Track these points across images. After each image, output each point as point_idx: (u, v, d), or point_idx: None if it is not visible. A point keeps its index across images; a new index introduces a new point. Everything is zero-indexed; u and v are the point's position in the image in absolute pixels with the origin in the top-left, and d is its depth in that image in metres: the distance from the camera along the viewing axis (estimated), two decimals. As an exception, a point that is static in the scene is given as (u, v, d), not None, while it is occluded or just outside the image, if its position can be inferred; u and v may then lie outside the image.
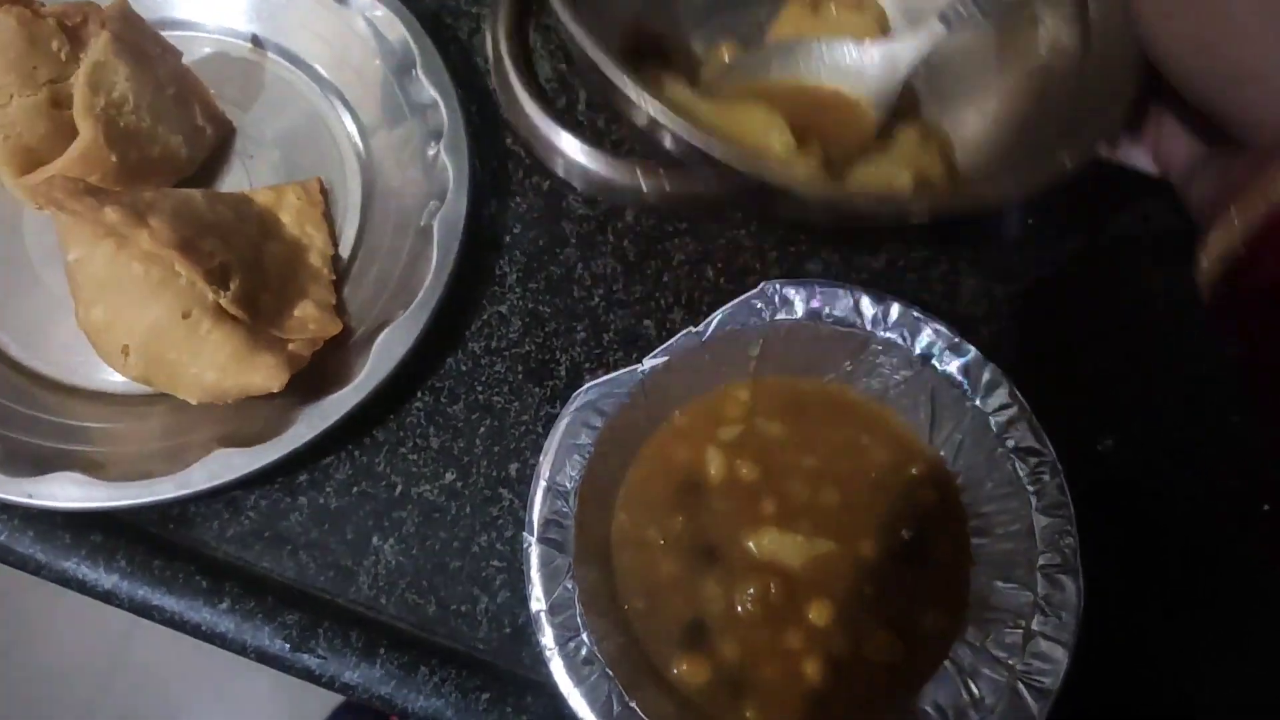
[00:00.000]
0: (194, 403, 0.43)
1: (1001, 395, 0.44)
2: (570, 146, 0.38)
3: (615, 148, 0.39)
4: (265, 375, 0.42)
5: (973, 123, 0.49)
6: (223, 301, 0.42)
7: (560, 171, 0.38)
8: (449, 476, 0.47)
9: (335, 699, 1.23)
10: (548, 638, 0.40)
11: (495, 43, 0.39)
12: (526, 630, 0.45)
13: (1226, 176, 0.38)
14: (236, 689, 1.33)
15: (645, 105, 0.35)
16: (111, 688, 1.33)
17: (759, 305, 0.45)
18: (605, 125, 0.54)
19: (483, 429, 0.48)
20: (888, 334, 0.45)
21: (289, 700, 1.30)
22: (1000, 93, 0.48)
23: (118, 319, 0.41)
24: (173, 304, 0.41)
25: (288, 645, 0.43)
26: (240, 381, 0.42)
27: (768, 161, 0.39)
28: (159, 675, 1.33)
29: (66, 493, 0.42)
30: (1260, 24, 0.35)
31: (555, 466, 0.42)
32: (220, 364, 0.42)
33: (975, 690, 0.41)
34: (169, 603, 0.44)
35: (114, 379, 0.47)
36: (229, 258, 0.44)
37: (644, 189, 0.37)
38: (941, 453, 0.46)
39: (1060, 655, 0.41)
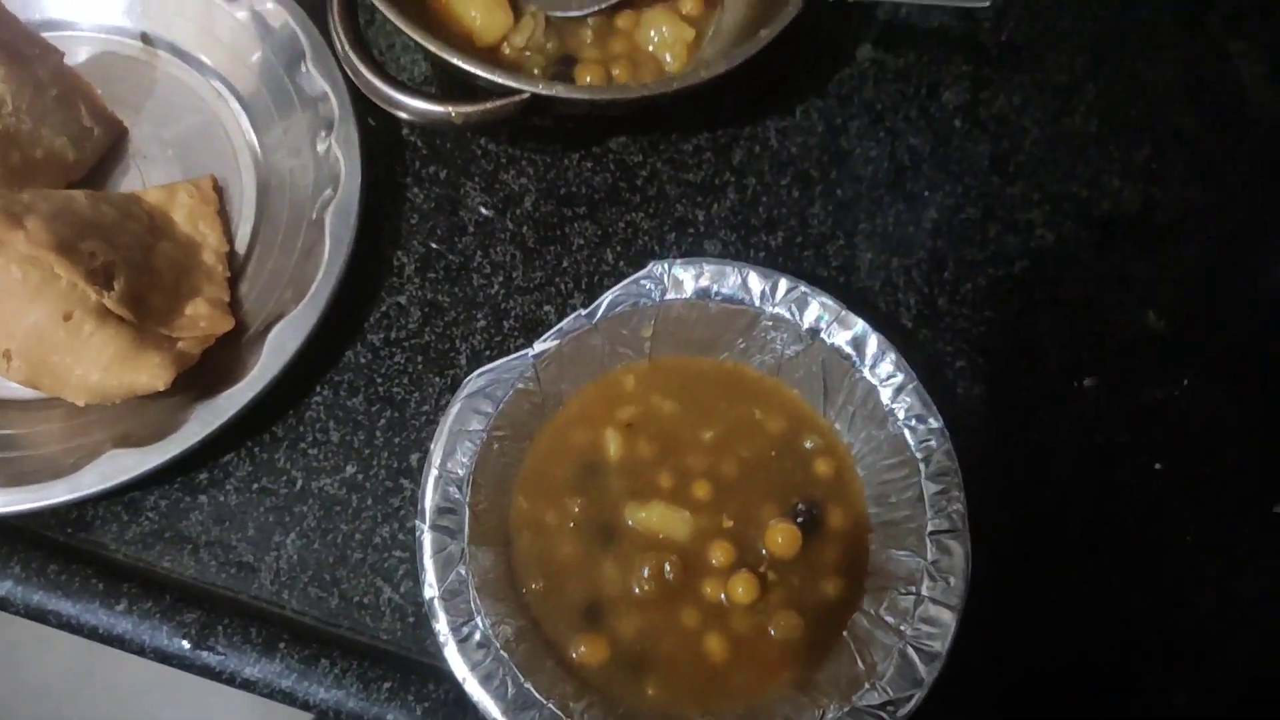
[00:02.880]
0: (81, 405, 0.43)
1: (889, 365, 0.45)
2: (400, 98, 0.46)
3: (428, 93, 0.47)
4: (150, 374, 0.42)
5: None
6: (107, 302, 0.42)
7: (404, 116, 0.46)
8: (350, 470, 0.47)
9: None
10: (441, 624, 0.40)
11: (335, 30, 0.46)
12: (430, 619, 0.45)
13: None
14: (211, 701, 1.31)
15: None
16: (79, 700, 1.31)
17: (648, 285, 0.45)
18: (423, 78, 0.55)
19: (383, 421, 0.48)
20: (776, 309, 0.46)
21: (265, 712, 1.29)
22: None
23: (-2, 323, 0.41)
24: (54, 306, 0.41)
25: (186, 643, 0.43)
26: (125, 381, 0.42)
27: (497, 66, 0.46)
28: (129, 687, 1.32)
29: (-44, 500, 0.42)
30: None
31: (446, 453, 0.43)
32: (104, 364, 0.42)
33: (869, 657, 0.42)
34: (65, 607, 0.43)
35: (7, 384, 0.47)
36: (113, 258, 0.43)
37: (452, 115, 0.45)
38: (836, 424, 0.47)
39: (948, 619, 0.41)
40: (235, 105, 0.53)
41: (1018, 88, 0.57)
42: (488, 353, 0.49)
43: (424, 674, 0.44)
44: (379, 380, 0.49)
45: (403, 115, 0.46)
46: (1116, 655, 0.46)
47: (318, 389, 0.48)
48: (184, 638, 0.43)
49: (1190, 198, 0.54)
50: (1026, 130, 0.56)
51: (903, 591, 0.43)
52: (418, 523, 0.41)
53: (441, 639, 0.40)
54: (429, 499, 0.42)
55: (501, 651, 0.40)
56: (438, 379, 0.49)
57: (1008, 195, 0.54)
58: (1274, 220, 0.55)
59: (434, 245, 0.51)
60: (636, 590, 0.44)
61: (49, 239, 0.41)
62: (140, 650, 0.43)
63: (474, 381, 0.43)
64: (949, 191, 0.54)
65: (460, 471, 0.43)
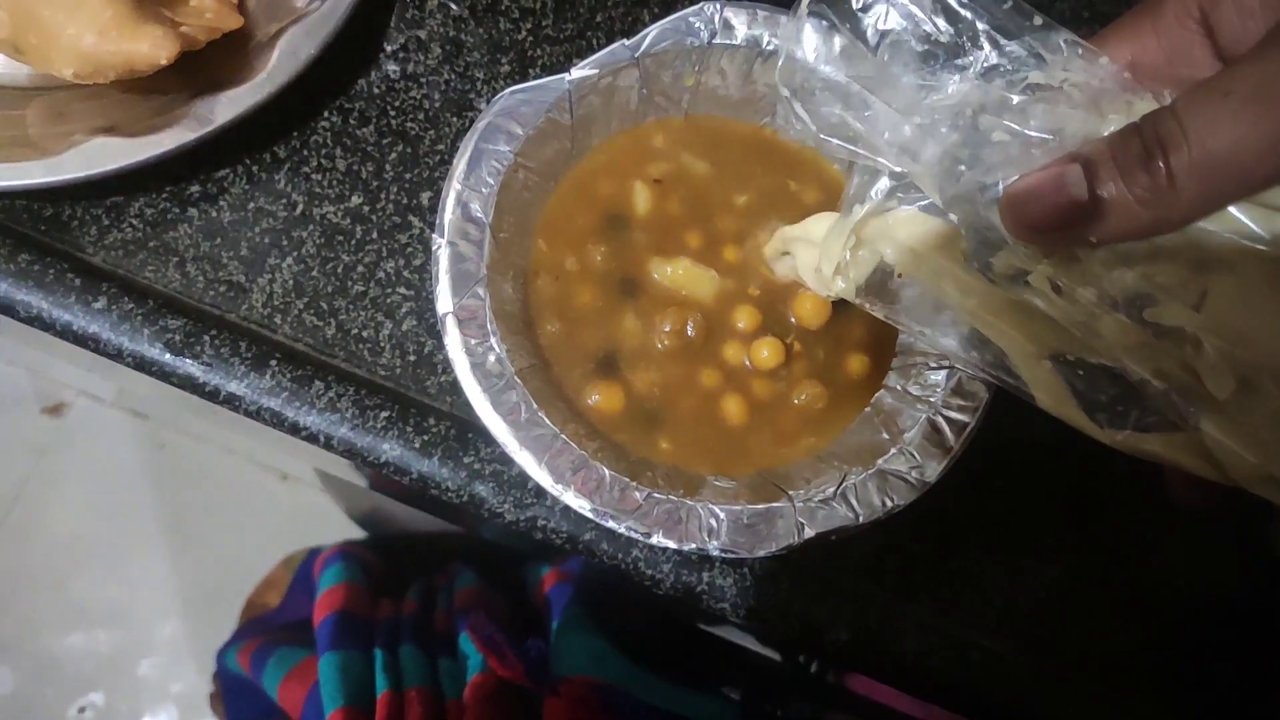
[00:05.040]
0: (69, 75, 0.39)
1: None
2: None
3: None
4: (153, 44, 0.38)
5: None
6: (106, -37, 0.38)
7: None
8: (356, 200, 0.44)
9: (240, 582, 1.19)
10: (453, 341, 0.38)
11: None
12: (433, 359, 0.43)
13: None
14: (129, 564, 1.27)
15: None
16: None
17: (697, 25, 0.42)
18: None
19: (394, 155, 0.45)
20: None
21: (184, 574, 1.26)
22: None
23: (-20, -36, 0.37)
24: (47, -47, 0.37)
25: (168, 350, 0.40)
26: (123, 49, 0.38)
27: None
28: (46, 542, 1.27)
29: (-82, 170, 0.38)
30: None
31: (470, 169, 0.39)
32: (101, 27, 0.38)
33: (894, 427, 0.40)
34: (36, 299, 0.40)
35: (-20, 67, 0.43)
36: (115, -79, 0.39)
37: None
38: (856, 179, 0.44)
39: (982, 392, 0.40)
40: None
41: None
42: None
43: (423, 410, 0.41)
44: (392, 113, 0.45)
45: None
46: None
47: (325, 114, 0.45)
48: (166, 345, 0.40)
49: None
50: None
51: (934, 366, 0.41)
52: (434, 236, 0.38)
53: (452, 356, 0.37)
54: (449, 214, 0.39)
55: (516, 377, 0.38)
56: (455, 119, 0.46)
57: None
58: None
59: (461, -18, 0.48)
60: (657, 345, 0.42)
61: (47, -123, 0.37)
62: (117, 354, 0.40)
63: (505, 100, 0.40)
64: None
65: (484, 191, 0.40)
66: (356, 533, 1.18)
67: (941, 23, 0.36)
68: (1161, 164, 0.28)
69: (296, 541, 1.22)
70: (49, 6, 0.37)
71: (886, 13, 0.36)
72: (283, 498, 1.29)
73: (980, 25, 0.35)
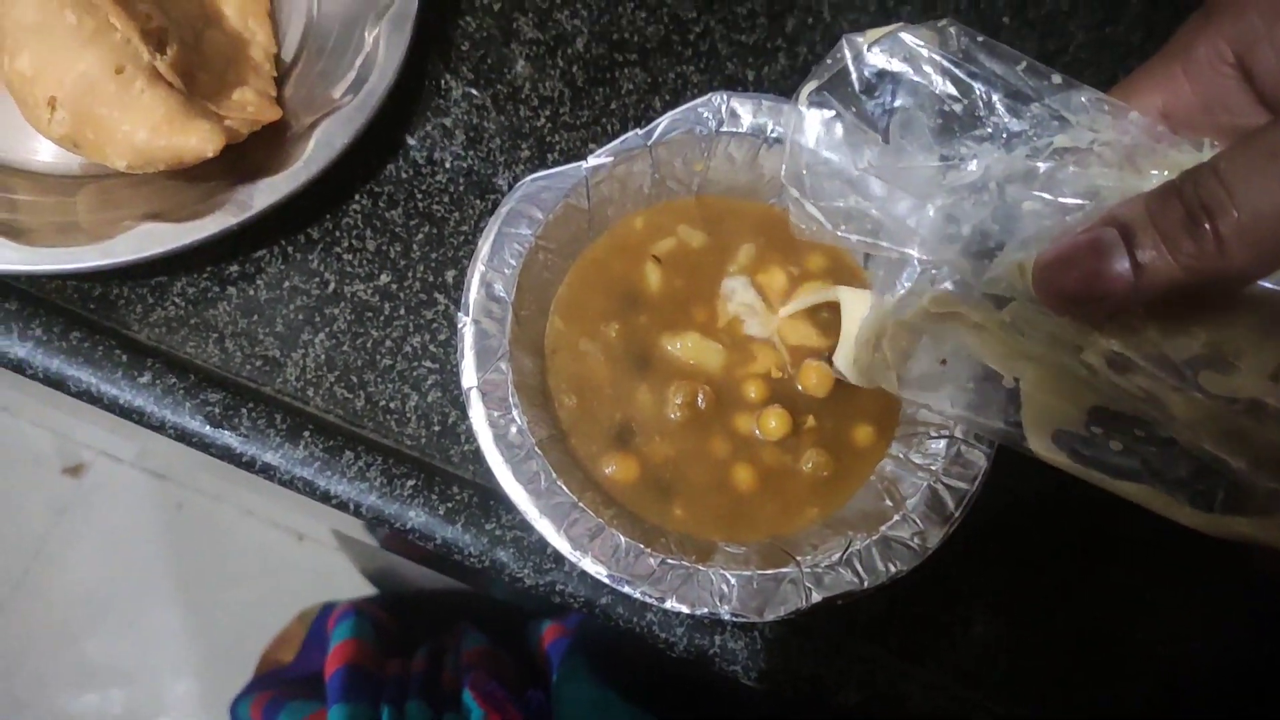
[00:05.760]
0: (123, 167, 0.42)
1: (937, 216, 0.45)
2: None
3: None
4: (201, 138, 0.41)
5: None
6: (159, 65, 0.41)
7: None
8: (384, 278, 0.47)
9: (254, 640, 1.20)
10: (478, 414, 0.40)
11: None
12: (456, 430, 0.45)
13: None
14: (144, 622, 1.28)
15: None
16: (8, 609, 1.28)
17: (706, 115, 0.45)
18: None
19: (420, 235, 0.47)
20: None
21: (199, 632, 1.27)
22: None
23: (46, 68, 0.40)
24: (106, 57, 0.40)
25: (208, 423, 0.42)
26: (173, 143, 0.41)
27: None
28: (62, 600, 1.29)
29: (-17, 254, 0.41)
30: None
31: (493, 252, 0.42)
32: (153, 124, 0.40)
33: (897, 494, 0.42)
34: (85, 374, 0.42)
35: (41, 157, 0.46)
36: (166, 25, 0.42)
37: None
38: (879, 272, 0.47)
39: (980, 460, 0.42)
40: (291, -85, 0.52)
41: (1066, -6, 0.58)
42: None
43: (447, 479, 0.43)
44: (419, 196, 0.48)
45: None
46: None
47: (356, 198, 0.48)
48: (206, 417, 0.42)
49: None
50: (1073, 34, 0.56)
51: (934, 435, 0.43)
52: (460, 315, 0.41)
53: (476, 429, 0.40)
54: (473, 293, 0.41)
55: (536, 449, 0.40)
56: (478, 201, 0.48)
57: (1050, 93, 0.55)
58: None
59: (484, 74, 0.51)
60: (670, 417, 0.44)
61: (108, -12, 0.40)
62: (159, 426, 0.42)
63: (527, 186, 0.43)
64: (993, 83, 0.55)
65: (506, 272, 0.42)
66: (369, 590, 1.20)
67: (953, 90, 0.34)
68: (1208, 227, 0.26)
69: (311, 599, 1.23)
70: (106, 106, 0.40)
71: (893, 90, 0.35)
72: (299, 557, 1.31)
73: (995, 95, 0.33)
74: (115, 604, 1.28)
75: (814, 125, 0.37)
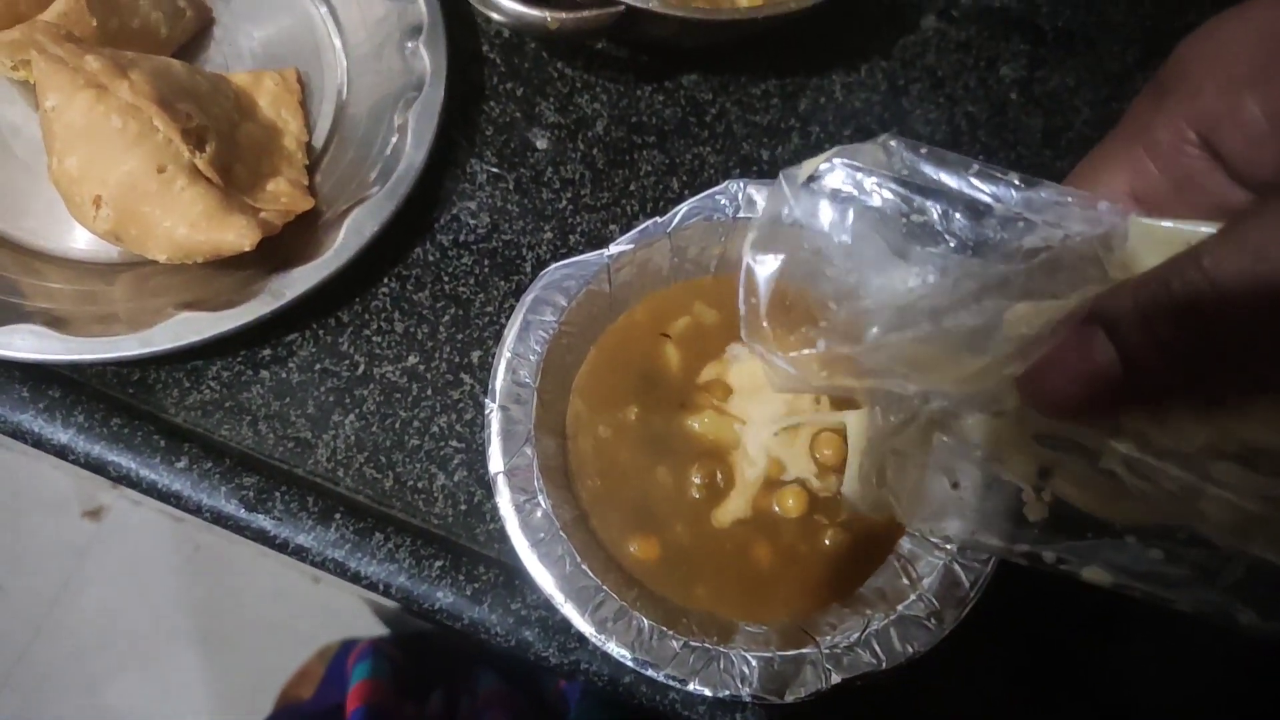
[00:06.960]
0: (163, 260, 0.43)
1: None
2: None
3: None
4: (238, 233, 0.42)
5: None
6: (198, 162, 0.43)
7: (497, 18, 0.47)
8: (412, 360, 0.48)
9: (271, 679, 1.21)
10: (504, 498, 0.41)
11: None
12: (482, 509, 0.46)
13: None
14: (163, 664, 1.30)
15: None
16: (30, 656, 1.29)
17: (723, 202, 0.47)
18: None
19: (447, 317, 0.49)
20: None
21: (217, 674, 1.28)
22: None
23: (91, 169, 0.42)
24: (148, 158, 0.42)
25: (243, 506, 0.43)
26: (213, 238, 0.42)
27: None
28: (82, 644, 1.30)
29: (26, 344, 0.42)
30: None
31: (520, 338, 0.43)
32: (192, 220, 0.42)
33: (913, 573, 0.43)
34: (125, 460, 0.44)
35: (79, 245, 0.47)
36: (205, 123, 0.44)
37: (548, 21, 0.47)
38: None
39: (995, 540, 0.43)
40: (320, 2, 0.53)
41: (1071, 70, 0.59)
42: (553, 263, 0.50)
43: (474, 558, 0.45)
44: (445, 279, 0.50)
45: (496, 17, 0.47)
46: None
47: (385, 281, 0.49)
48: (241, 501, 0.43)
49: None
50: (1078, 110, 0.58)
51: (949, 514, 0.44)
52: (486, 401, 0.42)
53: (503, 512, 0.41)
54: (500, 380, 0.43)
55: (561, 532, 0.41)
56: (503, 283, 0.50)
57: (1058, 168, 0.56)
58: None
59: (507, 157, 0.52)
60: (689, 496, 0.45)
61: (151, 92, 0.42)
62: (196, 509, 0.44)
63: (550, 274, 0.44)
64: (1002, 158, 0.56)
65: (531, 358, 0.43)
66: (383, 630, 1.21)
67: (904, 207, 0.32)
68: (1199, 321, 0.25)
69: (326, 639, 1.24)
70: (149, 203, 0.42)
71: (844, 215, 0.33)
72: (315, 599, 1.32)
73: (952, 211, 0.31)
74: (135, 645, 1.29)
75: (767, 274, 0.35)
